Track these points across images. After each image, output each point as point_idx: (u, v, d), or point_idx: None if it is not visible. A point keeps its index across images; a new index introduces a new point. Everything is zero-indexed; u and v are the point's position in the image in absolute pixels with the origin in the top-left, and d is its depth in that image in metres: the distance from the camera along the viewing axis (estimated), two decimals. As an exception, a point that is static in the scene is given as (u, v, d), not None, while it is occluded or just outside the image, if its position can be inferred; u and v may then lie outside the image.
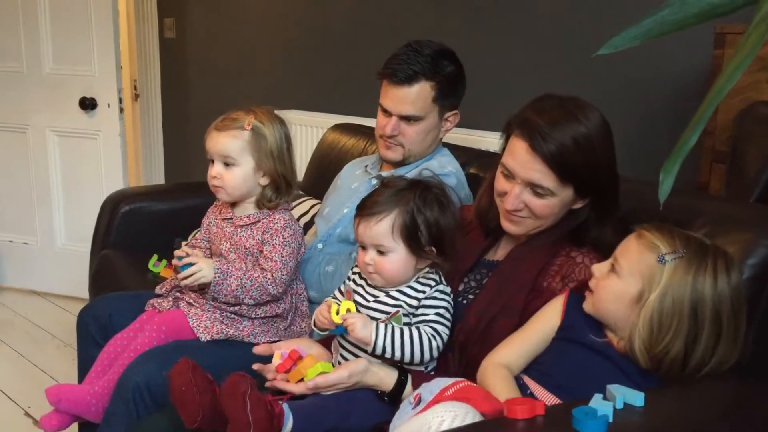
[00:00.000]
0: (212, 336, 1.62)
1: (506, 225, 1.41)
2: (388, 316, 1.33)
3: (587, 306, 1.23)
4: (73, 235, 3.41)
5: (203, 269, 1.62)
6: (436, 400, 1.17)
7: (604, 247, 1.32)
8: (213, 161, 1.67)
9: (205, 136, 1.68)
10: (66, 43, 3.25)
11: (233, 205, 1.72)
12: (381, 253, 1.32)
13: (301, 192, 2.47)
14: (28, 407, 2.46)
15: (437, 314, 1.33)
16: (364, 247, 1.34)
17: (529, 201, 1.35)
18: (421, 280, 1.35)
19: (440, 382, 1.22)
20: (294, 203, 2.37)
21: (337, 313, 1.31)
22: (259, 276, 1.62)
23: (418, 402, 1.22)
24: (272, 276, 1.62)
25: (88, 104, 3.25)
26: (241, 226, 1.69)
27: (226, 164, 1.65)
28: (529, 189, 1.34)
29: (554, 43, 2.40)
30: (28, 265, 3.52)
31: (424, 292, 1.34)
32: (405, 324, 1.32)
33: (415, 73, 1.77)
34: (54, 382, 2.56)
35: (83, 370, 1.73)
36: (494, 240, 1.51)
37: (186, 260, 1.63)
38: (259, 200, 1.68)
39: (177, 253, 1.67)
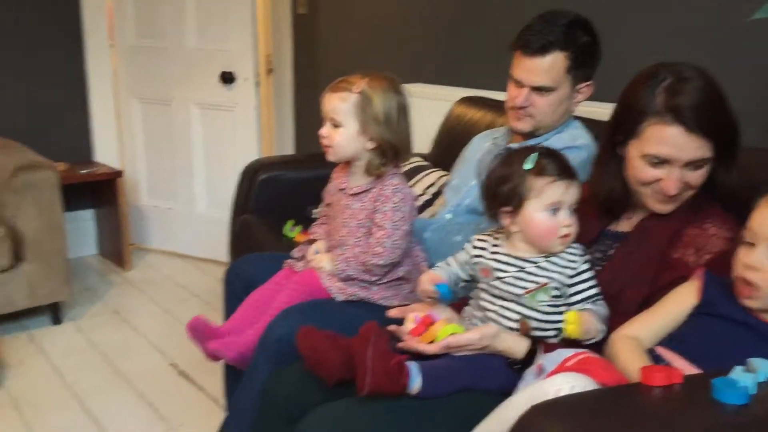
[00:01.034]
0: (346, 297, 1.71)
1: (661, 207, 1.41)
2: (537, 286, 1.35)
3: (752, 303, 1.16)
4: (212, 201, 3.63)
5: (323, 263, 1.75)
6: (557, 371, 1.19)
7: (732, 200, 1.34)
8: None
9: (322, 95, 1.76)
10: (208, 21, 3.45)
11: (348, 173, 1.79)
12: None
13: (426, 162, 2.52)
14: (173, 359, 2.67)
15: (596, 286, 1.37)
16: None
17: (687, 177, 1.36)
18: (570, 251, 1.37)
19: (563, 353, 1.24)
20: (421, 174, 2.43)
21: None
22: (370, 258, 1.69)
23: (540, 372, 1.25)
24: (382, 247, 1.67)
25: (227, 78, 3.43)
26: (353, 196, 1.75)
27: (334, 125, 1.72)
28: (687, 167, 1.34)
29: (702, 7, 2.30)
30: (171, 228, 3.79)
31: (573, 267, 1.36)
32: (554, 297, 1.35)
33: (549, 43, 1.77)
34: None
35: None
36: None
37: (310, 266, 1.78)
38: (367, 166, 1.73)
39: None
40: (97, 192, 3.62)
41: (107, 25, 3.63)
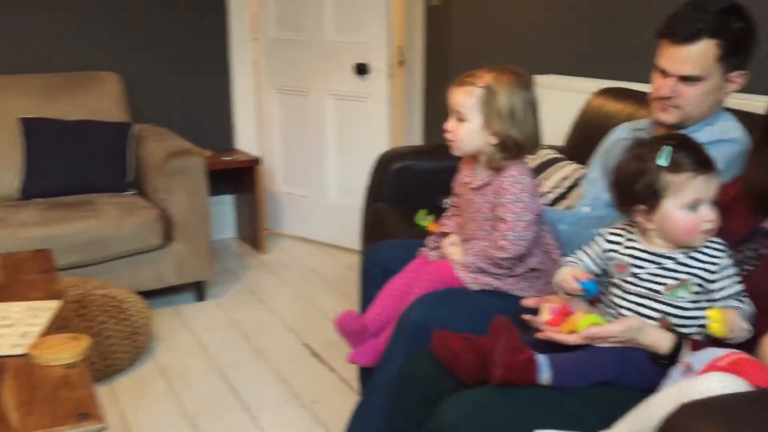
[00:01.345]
0: (480, 286, 1.73)
1: None
2: (678, 283, 1.31)
3: None
4: (343, 189, 3.74)
5: (455, 255, 1.77)
6: (707, 370, 1.16)
7: None
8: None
9: (448, 89, 1.77)
10: (344, 14, 3.54)
11: (473, 167, 1.80)
12: None
13: (560, 155, 2.49)
14: (305, 339, 2.79)
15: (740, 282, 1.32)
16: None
17: None
18: (712, 245, 1.33)
19: (713, 352, 1.21)
20: (555, 166, 2.40)
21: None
22: (495, 252, 1.69)
23: (687, 370, 1.21)
24: (506, 240, 1.67)
25: (361, 70, 3.52)
26: (476, 190, 1.76)
27: (459, 119, 1.73)
28: None
29: None
30: (304, 215, 3.93)
31: (716, 263, 1.31)
32: (695, 293, 1.31)
33: (698, 31, 1.70)
34: (325, 320, 2.87)
35: (365, 306, 1.94)
36: None
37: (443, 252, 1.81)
38: (488, 160, 1.73)
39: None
40: (237, 178, 3.82)
41: (251, 20, 3.81)
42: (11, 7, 3.29)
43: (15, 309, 1.72)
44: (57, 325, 1.65)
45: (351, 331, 1.81)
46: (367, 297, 1.93)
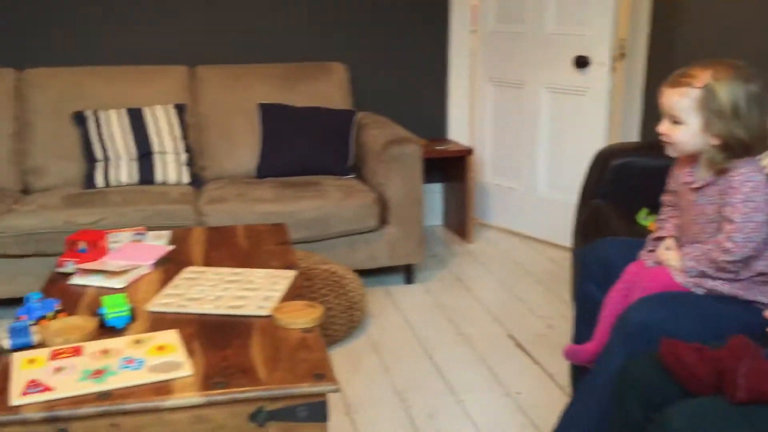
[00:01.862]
0: (706, 291, 1.65)
1: None
2: None
3: None
4: (554, 184, 3.69)
5: (672, 260, 1.71)
6: None
7: None
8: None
9: (659, 90, 1.68)
10: (567, 5, 3.48)
11: (693, 166, 1.70)
12: None
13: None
14: (510, 330, 2.81)
15: None
16: None
17: None
18: None
19: None
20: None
21: None
22: (720, 255, 1.60)
23: None
24: (732, 242, 1.57)
25: (581, 62, 3.45)
26: (697, 191, 1.67)
27: (674, 122, 1.63)
28: None
29: None
30: (511, 207, 3.94)
31: None
32: None
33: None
34: (530, 313, 2.87)
35: (581, 301, 1.93)
36: None
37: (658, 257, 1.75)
38: (709, 161, 1.62)
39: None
40: (448, 168, 3.91)
41: (471, 12, 3.87)
42: (256, 5, 3.62)
43: (258, 275, 1.91)
44: (293, 293, 1.82)
45: (582, 362, 1.83)
46: (585, 294, 1.91)
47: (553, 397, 2.29)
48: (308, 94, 3.50)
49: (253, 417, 1.38)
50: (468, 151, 3.71)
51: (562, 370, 2.41)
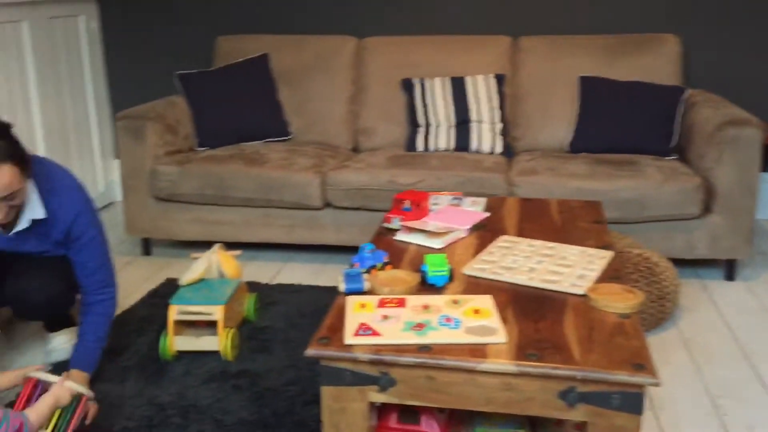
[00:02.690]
0: None
1: None
2: None
3: None
4: None
5: None
6: None
7: None
8: None
9: None
10: None
11: None
12: None
13: None
14: None
15: None
16: None
17: None
18: None
19: None
20: None
21: None
22: None
23: None
24: None
25: None
26: None
27: None
28: None
29: None
30: None
31: None
32: None
33: None
34: None
35: None
36: None
37: None
38: None
39: None
40: (789, 155, 3.45)
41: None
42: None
43: (572, 252, 1.87)
44: (609, 275, 1.75)
45: None
46: None
47: None
48: (633, 67, 3.31)
49: (563, 395, 1.36)
50: (818, 139, 3.23)
51: None
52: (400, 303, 1.56)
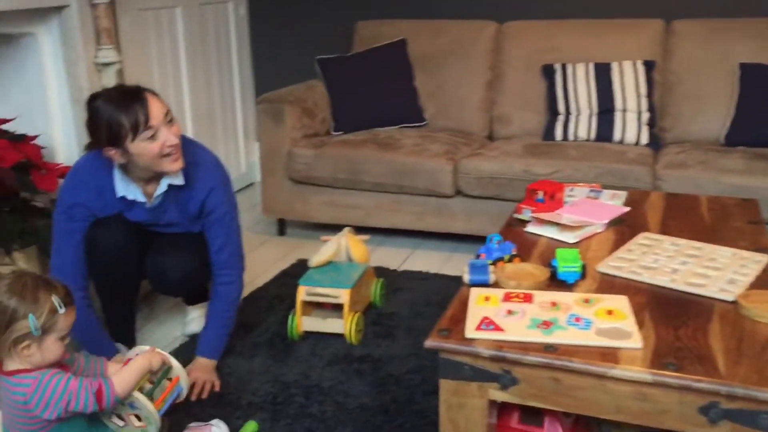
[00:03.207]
0: None
1: None
2: None
3: None
4: None
5: None
6: None
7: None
8: None
9: None
10: None
11: None
12: None
13: None
14: None
15: None
16: None
17: None
18: None
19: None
20: None
21: None
22: None
23: None
24: None
25: None
26: None
27: None
28: None
29: None
30: None
31: None
32: None
33: None
34: None
35: None
36: None
37: None
38: None
39: None
40: None
41: None
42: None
43: (722, 253, 1.71)
44: (764, 280, 1.58)
45: None
46: None
47: None
48: (803, 53, 3.00)
49: (705, 411, 1.23)
50: None
51: None
52: (527, 298, 1.49)
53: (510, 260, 1.67)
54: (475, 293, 1.52)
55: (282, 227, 3.42)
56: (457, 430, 1.41)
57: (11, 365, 1.53)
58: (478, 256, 1.68)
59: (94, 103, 1.90)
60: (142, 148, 1.90)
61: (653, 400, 1.26)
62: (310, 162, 3.12)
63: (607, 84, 3.14)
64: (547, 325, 1.38)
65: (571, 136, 3.14)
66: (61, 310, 1.51)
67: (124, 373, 1.62)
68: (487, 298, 1.49)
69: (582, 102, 3.15)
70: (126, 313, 2.32)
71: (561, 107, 3.20)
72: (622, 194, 2.14)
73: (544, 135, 3.21)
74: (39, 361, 1.51)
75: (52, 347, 1.52)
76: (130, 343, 2.32)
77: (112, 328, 2.29)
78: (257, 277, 2.88)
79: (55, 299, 1.50)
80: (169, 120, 1.93)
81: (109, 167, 2.02)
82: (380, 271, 2.86)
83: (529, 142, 3.15)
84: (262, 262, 3.06)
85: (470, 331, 1.37)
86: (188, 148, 2.08)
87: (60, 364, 1.59)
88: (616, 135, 3.08)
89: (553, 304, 1.47)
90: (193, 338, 2.33)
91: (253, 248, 3.22)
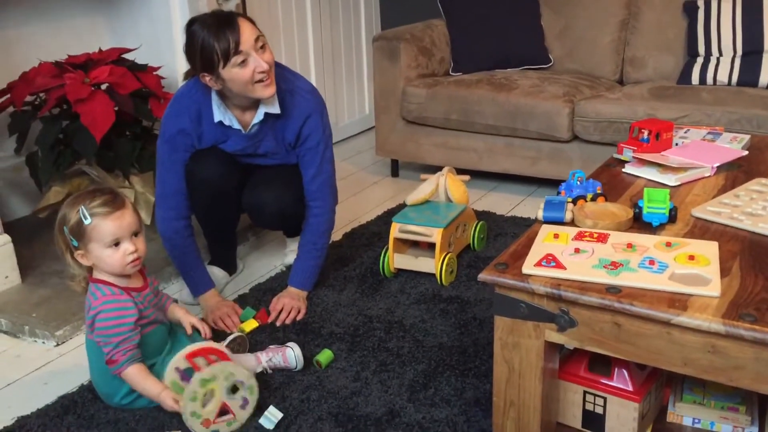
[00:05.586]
0: None
1: None
2: None
3: None
4: None
5: None
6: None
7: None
8: None
9: None
10: None
11: None
12: None
13: None
14: None
15: None
16: None
17: None
18: None
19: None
20: None
21: None
22: None
23: None
24: None
25: None
26: None
27: None
28: None
29: None
30: None
31: None
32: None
33: None
34: None
35: None
36: None
37: None
38: None
39: None
40: None
41: None
42: None
43: None
44: None
45: None
46: None
47: None
48: None
49: (784, 371, 1.08)
50: None
51: None
52: (601, 238, 1.36)
53: (594, 199, 1.54)
54: (545, 230, 1.41)
55: (395, 168, 3.39)
56: (512, 371, 1.34)
57: (95, 273, 1.62)
58: (558, 194, 1.56)
59: (190, 28, 1.94)
60: (234, 73, 1.92)
61: (725, 353, 1.12)
62: (423, 102, 3.05)
63: (756, 22, 2.80)
64: (615, 265, 1.26)
65: (709, 80, 2.85)
66: (87, 221, 1.52)
67: (143, 379, 1.61)
68: (556, 236, 1.38)
69: (725, 42, 2.84)
70: (227, 241, 2.40)
71: (701, 48, 2.91)
72: (744, 138, 1.91)
73: (680, 79, 2.94)
74: (102, 267, 1.58)
75: (102, 255, 1.56)
76: (231, 268, 2.40)
77: (214, 253, 2.38)
78: (364, 215, 2.88)
79: (82, 209, 1.52)
80: (261, 46, 1.93)
81: (208, 94, 2.06)
82: (485, 215, 2.77)
83: (660, 84, 2.90)
84: (370, 201, 3.06)
85: (528, 267, 1.28)
86: (284, 76, 2.08)
87: (143, 283, 1.67)
88: (763, 79, 2.76)
89: (629, 245, 1.33)
90: (290, 269, 2.37)
91: (365, 187, 3.22)
